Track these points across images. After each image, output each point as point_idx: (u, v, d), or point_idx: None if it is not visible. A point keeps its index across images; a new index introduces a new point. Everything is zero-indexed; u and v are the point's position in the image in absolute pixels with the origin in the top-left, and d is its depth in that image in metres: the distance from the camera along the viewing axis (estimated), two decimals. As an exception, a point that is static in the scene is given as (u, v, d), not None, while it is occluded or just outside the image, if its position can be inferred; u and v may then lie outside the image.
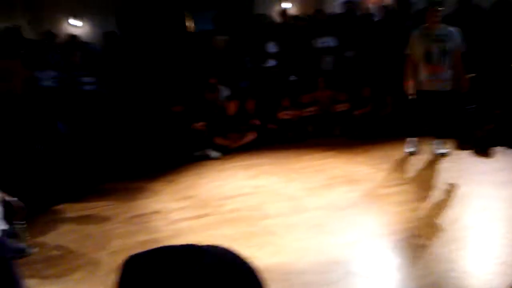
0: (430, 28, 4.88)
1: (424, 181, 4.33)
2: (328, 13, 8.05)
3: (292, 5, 9.08)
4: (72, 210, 4.45)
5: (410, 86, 5.03)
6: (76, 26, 8.48)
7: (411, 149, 5.27)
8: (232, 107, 6.23)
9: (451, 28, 4.88)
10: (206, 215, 3.96)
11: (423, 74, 4.90)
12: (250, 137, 6.25)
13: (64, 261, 3.32)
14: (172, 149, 6.09)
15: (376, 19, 7.59)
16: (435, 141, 5.18)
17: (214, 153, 5.95)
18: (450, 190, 4.02)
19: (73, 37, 7.38)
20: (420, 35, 4.92)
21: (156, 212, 4.14)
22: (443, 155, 5.06)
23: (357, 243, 3.15)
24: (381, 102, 6.35)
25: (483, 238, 3.08)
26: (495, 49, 6.19)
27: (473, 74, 5.60)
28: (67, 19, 8.47)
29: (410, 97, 5.07)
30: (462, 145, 5.32)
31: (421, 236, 3.16)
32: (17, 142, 4.97)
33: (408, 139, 5.34)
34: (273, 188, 4.53)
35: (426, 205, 3.73)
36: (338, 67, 7.41)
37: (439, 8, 4.84)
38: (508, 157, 4.81)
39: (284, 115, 6.59)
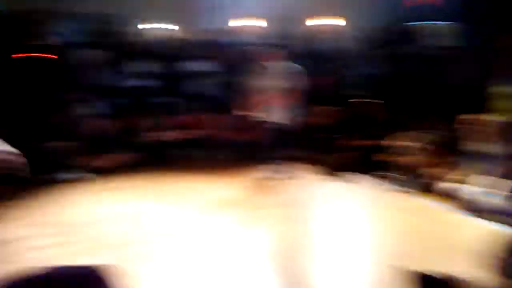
0: None
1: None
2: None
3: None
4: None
5: None
6: None
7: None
8: (106, 126, 5.81)
9: None
10: (63, 243, 3.53)
11: None
12: (123, 158, 5.88)
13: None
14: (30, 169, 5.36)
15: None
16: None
17: (82, 174, 5.45)
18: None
19: None
20: None
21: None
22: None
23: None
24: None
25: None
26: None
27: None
28: None
29: None
30: (321, 170, 5.84)
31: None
32: None
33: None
34: (143, 213, 4.30)
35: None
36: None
37: None
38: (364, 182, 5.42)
39: (167, 136, 6.40)
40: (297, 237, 3.70)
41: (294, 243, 3.58)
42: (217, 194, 4.91)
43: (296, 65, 5.46)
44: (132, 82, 7.01)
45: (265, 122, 5.50)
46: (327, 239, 3.71)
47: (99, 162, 5.72)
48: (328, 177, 5.62)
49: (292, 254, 3.35)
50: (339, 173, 5.68)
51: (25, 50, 6.65)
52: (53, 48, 6.99)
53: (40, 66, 6.40)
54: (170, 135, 6.56)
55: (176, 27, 9.28)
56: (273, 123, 5.47)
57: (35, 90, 6.00)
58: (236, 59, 7.74)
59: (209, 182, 5.39)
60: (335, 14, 8.29)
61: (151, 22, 9.07)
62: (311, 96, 5.94)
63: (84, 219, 4.09)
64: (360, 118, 6.26)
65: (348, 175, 5.63)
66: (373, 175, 5.53)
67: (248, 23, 8.79)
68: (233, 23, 8.67)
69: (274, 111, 5.43)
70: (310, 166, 6.05)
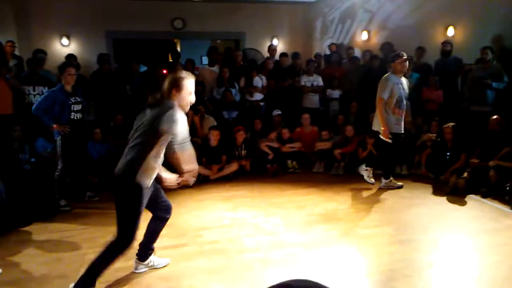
0: (398, 77, 5.35)
1: (401, 224, 4.39)
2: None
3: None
4: (43, 231, 4.26)
5: (386, 131, 5.28)
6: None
7: (372, 181, 5.66)
8: (215, 138, 6.24)
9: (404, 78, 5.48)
10: (183, 245, 3.89)
11: (394, 117, 5.32)
12: (231, 168, 6.25)
13: (31, 285, 3.16)
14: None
15: (361, 62, 7.88)
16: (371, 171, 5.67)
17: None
18: (426, 235, 4.08)
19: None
20: (393, 82, 5.26)
21: (132, 238, 4.03)
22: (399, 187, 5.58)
23: (336, 283, 3.15)
24: (362, 142, 6.48)
25: (456, 285, 3.12)
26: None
27: (452, 123, 5.85)
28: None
29: (387, 140, 5.31)
30: (437, 191, 5.48)
31: (397, 280, 3.17)
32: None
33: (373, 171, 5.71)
34: (252, 222, 4.50)
35: (403, 249, 3.76)
36: (323, 105, 7.65)
37: (406, 58, 5.29)
38: (482, 206, 4.94)
39: (265, 147, 6.61)
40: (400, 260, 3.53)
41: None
42: (327, 207, 4.91)
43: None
44: (245, 97, 7.36)
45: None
46: (431, 265, 3.45)
47: (208, 171, 6.12)
48: (445, 198, 5.22)
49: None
50: (457, 194, 5.26)
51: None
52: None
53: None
54: (281, 147, 6.74)
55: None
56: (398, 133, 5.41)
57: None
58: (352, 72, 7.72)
59: (320, 196, 5.41)
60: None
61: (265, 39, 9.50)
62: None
63: (199, 224, 4.42)
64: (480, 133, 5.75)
65: (467, 197, 5.19)
66: (493, 198, 5.07)
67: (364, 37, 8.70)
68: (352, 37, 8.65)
69: (400, 122, 5.40)
70: (425, 185, 5.77)
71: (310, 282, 0.69)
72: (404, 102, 5.34)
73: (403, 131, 5.44)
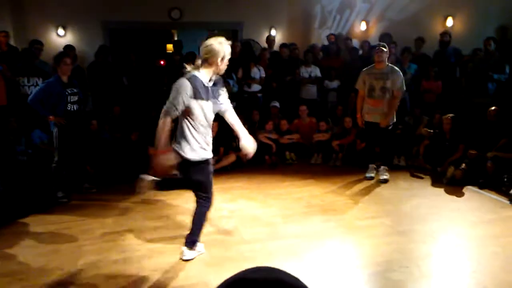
0: (375, 67, 5.40)
1: (399, 216, 4.39)
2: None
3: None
4: (40, 223, 4.25)
5: (360, 118, 5.62)
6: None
7: (370, 175, 5.69)
8: (213, 129, 6.18)
9: (395, 68, 5.40)
10: (180, 237, 3.87)
11: (366, 106, 5.48)
12: (229, 159, 6.23)
13: (29, 276, 3.16)
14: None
15: (359, 53, 7.84)
16: (380, 168, 5.67)
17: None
18: (424, 226, 4.08)
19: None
20: (366, 73, 5.44)
21: (129, 230, 4.03)
22: (384, 181, 5.52)
23: (333, 274, 3.15)
24: (361, 133, 6.45)
25: (453, 275, 3.12)
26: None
27: (452, 115, 5.84)
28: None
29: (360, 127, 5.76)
30: (435, 182, 5.48)
31: (394, 271, 3.18)
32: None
33: (369, 165, 5.78)
34: (250, 213, 4.50)
35: (400, 239, 3.77)
36: (321, 96, 7.60)
37: (383, 49, 5.29)
38: (479, 197, 4.95)
39: (265, 138, 6.59)
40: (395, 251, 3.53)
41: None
42: (325, 199, 4.90)
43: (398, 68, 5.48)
44: (243, 88, 7.31)
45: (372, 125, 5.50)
46: (428, 255, 3.46)
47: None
48: (443, 189, 5.22)
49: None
50: (455, 185, 5.26)
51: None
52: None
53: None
54: (279, 138, 6.71)
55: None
56: (372, 122, 5.49)
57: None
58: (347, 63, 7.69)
59: (317, 187, 5.40)
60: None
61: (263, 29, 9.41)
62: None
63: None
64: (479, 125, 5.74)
65: (465, 188, 5.19)
66: (490, 189, 5.07)
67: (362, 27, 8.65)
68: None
69: (372, 111, 5.45)
70: (421, 176, 5.77)
71: (265, 270, 0.66)
72: (376, 92, 5.36)
73: (378, 122, 5.40)
